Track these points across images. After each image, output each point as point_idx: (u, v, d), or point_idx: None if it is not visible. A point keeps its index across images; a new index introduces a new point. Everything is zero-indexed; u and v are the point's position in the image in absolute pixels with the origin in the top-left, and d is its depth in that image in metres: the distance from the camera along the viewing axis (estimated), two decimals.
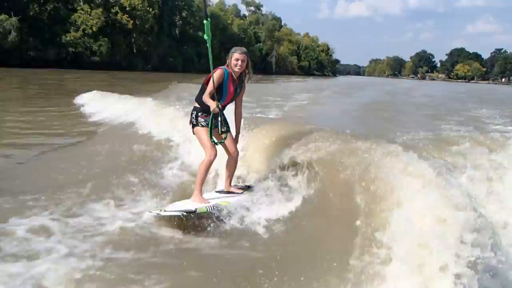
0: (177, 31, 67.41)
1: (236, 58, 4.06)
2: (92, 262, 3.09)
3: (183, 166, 5.71)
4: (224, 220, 3.94)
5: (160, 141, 7.04)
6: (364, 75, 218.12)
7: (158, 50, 61.52)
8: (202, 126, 4.15)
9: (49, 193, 4.60)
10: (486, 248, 2.41)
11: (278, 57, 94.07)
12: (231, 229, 3.87)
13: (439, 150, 4.59)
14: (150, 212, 3.92)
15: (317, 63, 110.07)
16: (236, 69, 4.09)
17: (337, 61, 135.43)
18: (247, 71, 4.22)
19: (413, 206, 2.69)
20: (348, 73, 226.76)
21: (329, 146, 4.26)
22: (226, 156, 4.44)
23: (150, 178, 5.19)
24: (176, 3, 66.78)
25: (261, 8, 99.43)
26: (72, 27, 52.30)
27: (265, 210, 4.10)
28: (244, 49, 4.20)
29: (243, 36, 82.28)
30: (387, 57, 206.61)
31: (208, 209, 3.94)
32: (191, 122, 4.25)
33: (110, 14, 55.31)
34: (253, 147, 5.14)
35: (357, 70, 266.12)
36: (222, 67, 4.11)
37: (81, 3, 53.69)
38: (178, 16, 67.54)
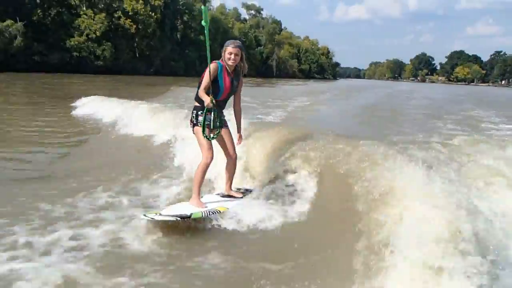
0: (178, 35, 67.90)
1: (229, 52, 4.04)
2: None
3: (180, 168, 5.71)
4: (223, 224, 3.87)
5: (158, 144, 7.17)
6: (364, 78, 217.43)
7: (160, 54, 61.85)
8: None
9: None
10: (488, 249, 2.50)
11: (278, 60, 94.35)
12: (229, 233, 3.78)
13: (439, 149, 4.75)
14: (144, 215, 3.73)
15: (317, 66, 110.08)
16: (229, 62, 4.05)
17: (337, 64, 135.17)
18: (242, 64, 4.18)
19: (415, 207, 2.72)
20: (348, 76, 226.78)
21: (330, 148, 4.31)
22: (225, 159, 4.43)
23: (148, 179, 5.34)
24: (178, 7, 67.25)
25: (262, 12, 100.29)
26: (76, 32, 52.62)
27: (265, 214, 3.97)
28: (238, 42, 4.16)
29: (244, 39, 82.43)
30: (387, 60, 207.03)
31: (204, 214, 3.84)
32: (191, 121, 4.19)
33: (113, 19, 55.68)
34: (254, 150, 5.12)
35: (357, 73, 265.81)
36: (216, 61, 4.08)
37: (84, 8, 54.17)
38: (179, 20, 67.94)
